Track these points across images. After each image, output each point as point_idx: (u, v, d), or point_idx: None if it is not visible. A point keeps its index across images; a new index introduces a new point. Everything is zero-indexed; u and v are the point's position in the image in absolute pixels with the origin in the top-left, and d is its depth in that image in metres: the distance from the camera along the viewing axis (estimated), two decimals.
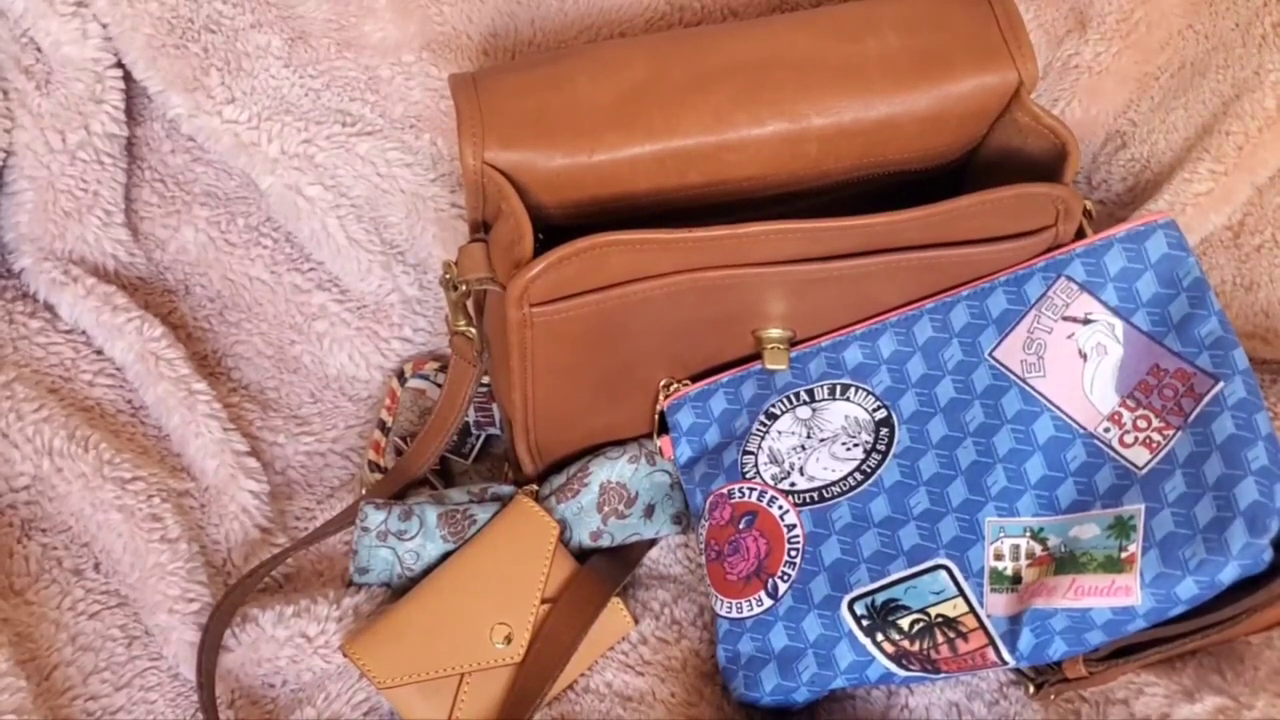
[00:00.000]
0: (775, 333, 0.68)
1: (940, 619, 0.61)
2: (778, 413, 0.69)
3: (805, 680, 0.63)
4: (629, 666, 0.69)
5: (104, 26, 0.77)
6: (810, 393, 0.68)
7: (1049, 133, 0.63)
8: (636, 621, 0.70)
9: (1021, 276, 0.65)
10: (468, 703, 0.67)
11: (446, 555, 0.71)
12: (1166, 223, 0.63)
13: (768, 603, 0.65)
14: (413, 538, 0.71)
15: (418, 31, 0.80)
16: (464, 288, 0.64)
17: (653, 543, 0.74)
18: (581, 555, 0.72)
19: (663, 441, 0.71)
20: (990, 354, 0.65)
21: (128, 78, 0.79)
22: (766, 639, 0.64)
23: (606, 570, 0.71)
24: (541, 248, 0.60)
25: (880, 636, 0.62)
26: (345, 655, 0.68)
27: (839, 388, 0.68)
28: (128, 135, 0.80)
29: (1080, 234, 0.66)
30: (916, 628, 0.61)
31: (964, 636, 0.60)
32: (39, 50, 0.78)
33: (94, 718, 0.67)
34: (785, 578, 0.65)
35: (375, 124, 0.80)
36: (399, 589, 0.72)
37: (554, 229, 0.65)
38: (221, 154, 0.80)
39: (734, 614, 0.66)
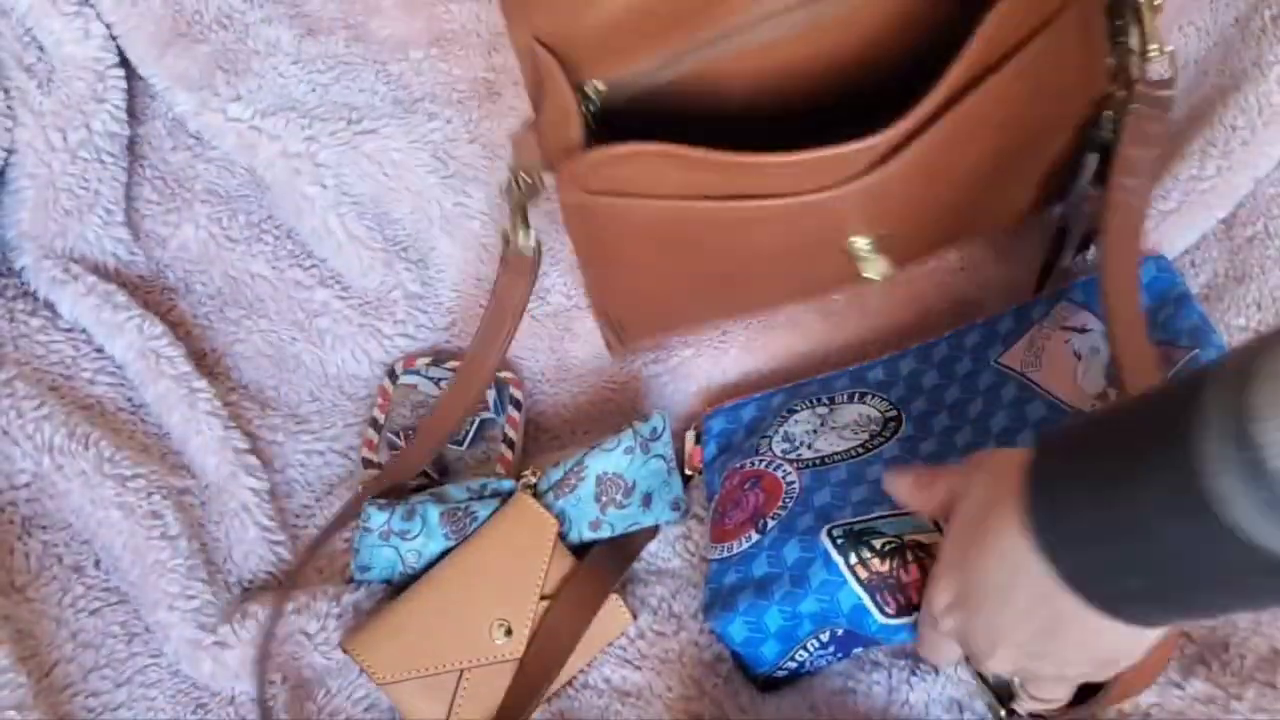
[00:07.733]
0: (863, 241, 0.64)
1: (913, 543, 0.62)
2: (798, 409, 0.73)
3: (778, 599, 0.63)
4: (627, 661, 0.69)
5: (108, 25, 0.78)
6: (831, 398, 0.73)
7: None
8: (635, 617, 0.70)
9: (1028, 305, 0.72)
10: (467, 698, 0.67)
11: (448, 552, 0.71)
12: (1158, 257, 0.70)
13: (755, 538, 0.66)
14: (415, 537, 0.71)
15: (425, 29, 0.80)
16: (526, 180, 0.63)
17: (653, 534, 0.74)
18: (583, 547, 0.72)
19: (693, 450, 0.75)
20: (996, 360, 0.70)
21: (129, 76, 0.79)
22: (749, 569, 0.65)
23: (605, 565, 0.71)
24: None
25: (854, 557, 0.62)
26: (345, 652, 0.68)
27: (857, 394, 0.73)
28: (129, 134, 0.80)
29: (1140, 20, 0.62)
30: (888, 548, 0.62)
31: (933, 557, 0.60)
32: (41, 49, 0.78)
33: (94, 714, 0.67)
34: (775, 517, 0.67)
35: (381, 120, 0.80)
36: (399, 586, 0.72)
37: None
38: (226, 150, 0.80)
39: (724, 555, 0.67)
